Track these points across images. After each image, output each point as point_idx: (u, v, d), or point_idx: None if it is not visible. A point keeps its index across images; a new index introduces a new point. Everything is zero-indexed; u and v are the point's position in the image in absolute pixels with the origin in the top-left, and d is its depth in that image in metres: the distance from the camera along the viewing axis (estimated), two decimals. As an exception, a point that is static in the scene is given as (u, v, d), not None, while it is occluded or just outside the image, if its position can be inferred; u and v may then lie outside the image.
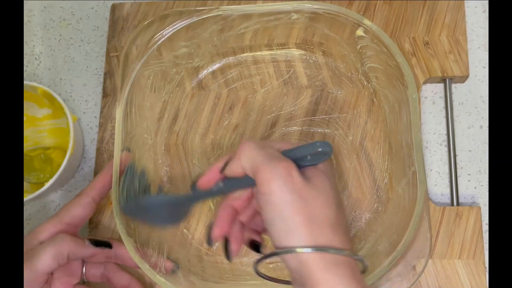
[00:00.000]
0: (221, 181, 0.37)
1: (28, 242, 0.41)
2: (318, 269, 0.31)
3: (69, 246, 0.40)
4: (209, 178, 0.37)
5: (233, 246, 0.37)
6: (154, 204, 0.39)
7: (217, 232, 0.37)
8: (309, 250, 0.31)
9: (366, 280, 0.33)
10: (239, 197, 0.37)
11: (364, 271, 0.34)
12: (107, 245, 0.42)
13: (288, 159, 0.34)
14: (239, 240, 0.38)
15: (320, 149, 0.35)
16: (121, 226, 0.41)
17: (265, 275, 0.36)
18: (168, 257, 0.44)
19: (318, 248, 0.32)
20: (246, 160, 0.35)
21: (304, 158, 0.35)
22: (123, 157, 0.43)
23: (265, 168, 0.33)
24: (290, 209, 0.32)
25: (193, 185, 0.38)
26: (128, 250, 0.41)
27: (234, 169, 0.36)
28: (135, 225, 0.43)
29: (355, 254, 0.33)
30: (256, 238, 0.38)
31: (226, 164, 0.36)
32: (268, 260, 0.45)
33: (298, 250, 0.32)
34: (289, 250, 0.32)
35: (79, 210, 0.43)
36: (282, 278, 0.37)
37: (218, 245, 0.46)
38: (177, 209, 0.39)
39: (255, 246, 0.38)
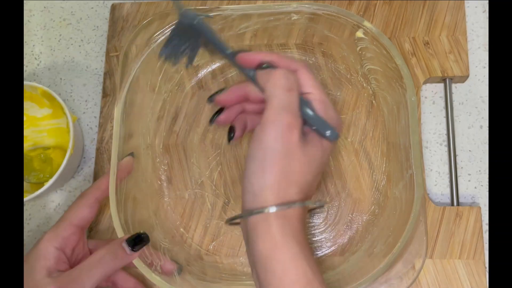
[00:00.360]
0: (254, 70, 0.38)
1: (44, 250, 0.40)
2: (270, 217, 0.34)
3: (111, 267, 0.39)
4: (250, 60, 0.38)
5: (237, 134, 0.41)
6: (198, 25, 0.39)
7: (224, 111, 0.41)
8: (274, 208, 0.33)
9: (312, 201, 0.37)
10: (256, 92, 0.38)
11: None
12: (146, 239, 0.41)
13: (298, 116, 0.35)
14: (242, 126, 0.41)
15: (327, 135, 0.37)
16: (118, 226, 0.41)
17: (234, 221, 0.37)
18: (171, 258, 0.44)
19: (282, 206, 0.33)
20: (268, 89, 0.36)
21: (312, 125, 0.37)
22: (127, 163, 0.43)
23: (274, 112, 0.35)
24: (272, 157, 0.34)
25: (236, 52, 0.39)
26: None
27: (260, 81, 0.37)
28: (133, 226, 0.43)
29: (310, 201, 0.35)
30: (239, 130, 0.41)
31: (266, 66, 0.37)
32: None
33: (265, 210, 0.33)
34: (258, 211, 0.34)
35: (87, 211, 0.42)
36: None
37: (215, 245, 0.46)
38: (210, 46, 0.40)
39: (231, 135, 0.41)
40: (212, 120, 0.42)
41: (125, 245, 0.40)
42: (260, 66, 0.37)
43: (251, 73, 0.38)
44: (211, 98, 0.41)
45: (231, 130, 0.41)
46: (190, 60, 0.40)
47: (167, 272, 0.42)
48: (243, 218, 0.35)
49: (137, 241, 0.40)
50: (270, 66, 0.37)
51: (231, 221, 0.37)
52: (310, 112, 0.37)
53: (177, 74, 0.50)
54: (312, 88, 0.37)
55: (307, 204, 0.35)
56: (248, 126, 0.42)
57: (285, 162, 0.34)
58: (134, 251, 0.40)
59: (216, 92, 0.41)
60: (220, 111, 0.41)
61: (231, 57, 0.39)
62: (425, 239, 0.40)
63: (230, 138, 0.42)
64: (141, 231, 0.41)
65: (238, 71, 0.39)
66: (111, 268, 0.39)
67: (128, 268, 0.44)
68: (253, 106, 0.41)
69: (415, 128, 0.41)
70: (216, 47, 0.39)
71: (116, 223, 0.41)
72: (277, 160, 0.34)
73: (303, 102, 0.37)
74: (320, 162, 0.36)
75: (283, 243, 0.33)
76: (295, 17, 0.47)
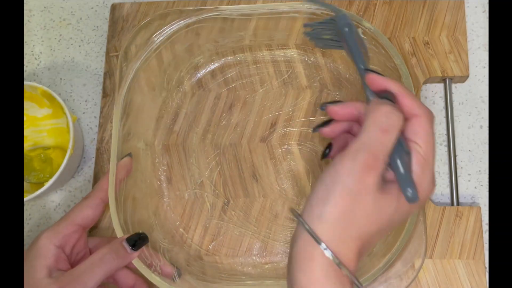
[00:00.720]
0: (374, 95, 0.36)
1: (43, 248, 0.40)
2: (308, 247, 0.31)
3: (113, 266, 0.39)
4: (375, 82, 0.35)
5: (332, 153, 0.40)
6: (349, 32, 0.39)
7: (329, 128, 0.39)
8: (324, 246, 0.30)
9: (361, 282, 0.33)
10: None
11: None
12: (145, 238, 0.41)
13: (382, 161, 0.31)
14: (340, 148, 0.39)
15: (406, 193, 0.32)
16: (118, 226, 0.41)
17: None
18: (170, 258, 0.44)
19: (334, 258, 0.30)
20: (366, 121, 0.33)
21: (397, 176, 0.33)
22: (125, 163, 0.43)
23: (357, 146, 0.32)
24: (339, 189, 0.31)
25: (368, 69, 0.37)
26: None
27: (368, 109, 0.34)
28: (132, 226, 0.43)
29: (354, 276, 0.31)
30: (335, 149, 0.39)
31: (385, 96, 0.34)
32: (263, 261, 0.46)
33: (318, 240, 0.30)
34: (312, 233, 0.31)
35: (90, 212, 0.43)
36: None
37: (215, 245, 0.46)
38: (349, 54, 0.39)
39: (326, 152, 0.40)
40: (315, 129, 0.39)
41: (125, 244, 0.40)
42: (381, 94, 0.35)
43: (371, 96, 0.36)
44: (324, 106, 0.38)
45: (329, 147, 0.40)
46: (325, 46, 0.43)
47: (166, 275, 0.42)
48: (298, 221, 0.32)
49: (137, 240, 0.41)
50: (389, 98, 0.34)
51: (294, 212, 0.34)
52: (399, 162, 0.32)
53: (177, 74, 0.50)
54: (422, 140, 0.33)
55: (356, 284, 0.31)
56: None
57: (351, 201, 0.31)
58: (134, 250, 0.40)
59: (330, 102, 0.38)
60: (328, 122, 0.39)
61: (363, 73, 0.37)
62: (424, 238, 0.40)
63: (324, 155, 0.40)
64: (140, 231, 0.41)
65: (363, 89, 0.37)
66: (113, 267, 0.39)
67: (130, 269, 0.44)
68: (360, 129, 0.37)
69: None
70: (353, 58, 0.38)
71: (116, 223, 0.41)
72: (343, 194, 0.31)
73: (403, 149, 0.33)
74: (390, 217, 0.32)
75: (322, 284, 0.30)
76: (294, 17, 0.47)
